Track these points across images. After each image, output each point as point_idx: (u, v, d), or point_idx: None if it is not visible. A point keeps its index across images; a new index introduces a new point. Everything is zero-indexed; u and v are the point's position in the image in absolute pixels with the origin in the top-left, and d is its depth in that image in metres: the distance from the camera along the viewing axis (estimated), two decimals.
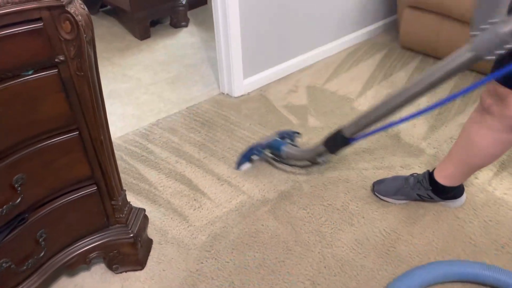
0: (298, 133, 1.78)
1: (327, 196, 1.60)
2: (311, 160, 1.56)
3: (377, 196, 1.57)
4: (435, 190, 1.48)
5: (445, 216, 1.49)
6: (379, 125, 1.26)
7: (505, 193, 1.56)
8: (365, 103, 2.08)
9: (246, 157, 1.72)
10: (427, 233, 1.44)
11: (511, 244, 1.39)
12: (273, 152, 1.68)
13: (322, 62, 2.47)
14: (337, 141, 1.39)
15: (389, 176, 1.64)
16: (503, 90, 1.12)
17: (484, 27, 0.96)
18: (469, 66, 1.02)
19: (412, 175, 1.54)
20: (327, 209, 1.54)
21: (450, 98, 1.04)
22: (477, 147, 1.29)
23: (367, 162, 1.74)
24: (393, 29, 2.78)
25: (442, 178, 1.44)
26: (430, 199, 1.51)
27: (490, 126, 1.22)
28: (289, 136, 1.74)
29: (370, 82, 2.25)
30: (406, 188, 1.52)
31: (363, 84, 2.23)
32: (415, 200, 1.54)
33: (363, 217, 1.51)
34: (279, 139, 1.68)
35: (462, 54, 1.01)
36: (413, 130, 1.90)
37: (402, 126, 1.92)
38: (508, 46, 0.94)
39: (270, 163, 1.75)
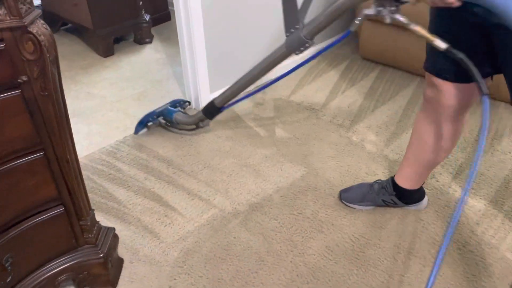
0: (188, 102, 2.12)
1: (297, 205, 1.62)
2: (196, 125, 1.94)
3: (345, 204, 1.62)
4: (398, 195, 1.53)
5: (409, 219, 1.55)
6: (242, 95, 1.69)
7: (453, 189, 1.64)
8: (329, 113, 2.14)
9: (142, 123, 1.98)
10: (394, 236, 1.49)
11: (472, 243, 1.45)
12: (165, 118, 1.98)
13: None
14: (211, 110, 1.81)
15: (356, 183, 1.69)
16: (438, 80, 1.21)
17: (292, 31, 1.40)
18: (286, 58, 1.49)
19: (376, 181, 1.60)
20: (297, 218, 1.57)
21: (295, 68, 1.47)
22: (426, 144, 1.36)
23: (334, 170, 1.78)
24: (353, 41, 2.88)
25: (402, 181, 1.50)
26: (394, 205, 1.57)
27: (433, 119, 1.30)
28: (180, 105, 2.05)
29: (333, 93, 2.31)
30: (371, 194, 1.57)
31: (327, 95, 2.30)
32: (381, 205, 1.59)
33: (333, 224, 1.54)
34: (171, 107, 1.99)
35: (280, 50, 1.48)
36: (376, 138, 1.96)
37: (366, 134, 1.98)
38: (307, 45, 1.39)
39: (164, 127, 2.03)
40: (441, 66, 1.18)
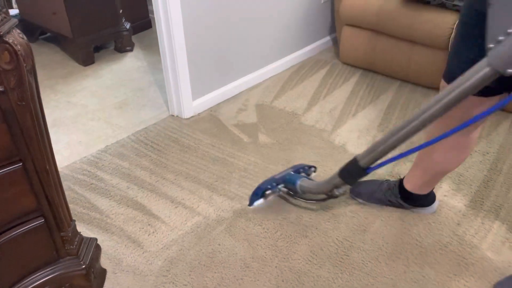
0: (314, 167, 1.72)
1: (281, 210, 1.63)
2: (328, 193, 1.44)
3: (353, 198, 1.64)
4: (403, 197, 1.55)
5: (392, 222, 1.57)
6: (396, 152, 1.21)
7: (445, 195, 1.67)
8: (312, 118, 2.16)
9: (259, 192, 1.61)
10: (377, 238, 1.50)
11: (453, 243, 1.48)
12: (287, 186, 1.61)
13: (269, 80, 2.54)
14: (353, 172, 1.28)
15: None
16: None
17: (500, 38, 0.87)
18: (488, 82, 0.92)
19: (386, 180, 1.61)
20: (282, 223, 1.57)
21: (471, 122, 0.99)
22: (436, 155, 1.36)
23: (317, 174, 1.79)
24: (333, 46, 2.92)
25: (409, 185, 1.51)
26: (400, 206, 1.58)
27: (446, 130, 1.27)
28: (305, 170, 1.68)
29: (315, 98, 2.33)
30: (379, 193, 1.59)
31: (308, 100, 2.32)
32: (387, 205, 1.60)
33: (317, 228, 1.55)
34: (293, 173, 1.63)
35: (479, 70, 0.92)
36: (358, 141, 1.99)
37: (348, 138, 2.00)
38: None
39: (284, 198, 1.67)
40: None
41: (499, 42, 0.87)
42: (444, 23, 2.10)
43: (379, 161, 1.21)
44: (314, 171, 1.73)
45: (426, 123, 1.05)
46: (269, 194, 1.61)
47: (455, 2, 2.07)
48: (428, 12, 2.16)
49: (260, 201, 1.62)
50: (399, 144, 1.15)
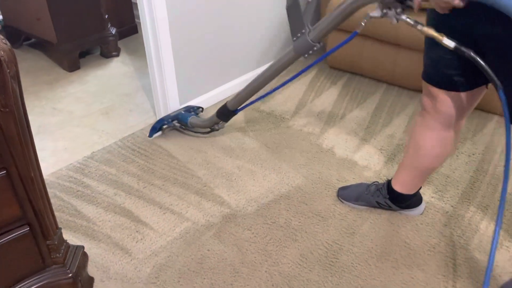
0: (201, 108, 2.17)
1: (270, 214, 1.63)
2: (211, 128, 1.97)
3: (340, 201, 1.65)
4: (392, 198, 1.56)
5: (381, 224, 1.57)
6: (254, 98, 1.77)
7: (432, 197, 1.68)
8: (299, 122, 2.17)
9: (157, 126, 2.03)
10: (366, 241, 1.51)
11: (441, 244, 1.49)
12: (180, 122, 2.04)
13: None
14: (225, 113, 1.86)
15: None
16: (434, 89, 1.24)
17: (298, 35, 1.44)
18: (293, 61, 1.55)
19: (374, 183, 1.63)
20: (271, 227, 1.57)
21: (297, 75, 1.56)
22: (423, 150, 1.39)
23: (305, 177, 1.80)
24: (320, 50, 2.93)
25: (397, 185, 1.53)
26: (388, 207, 1.59)
27: (430, 126, 1.33)
28: (194, 110, 2.12)
29: (303, 102, 2.34)
30: (367, 194, 1.60)
31: (296, 104, 2.32)
32: (374, 207, 1.61)
33: (306, 232, 1.55)
34: (184, 112, 2.06)
35: (289, 54, 1.53)
36: (346, 144, 2.00)
37: (336, 141, 2.01)
38: (315, 48, 1.44)
39: (178, 130, 2.08)
40: (438, 76, 1.21)
41: (298, 37, 1.44)
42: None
43: (243, 104, 1.79)
44: (202, 111, 2.19)
45: (264, 82, 1.68)
46: (166, 128, 2.06)
47: None
48: (412, 15, 2.18)
49: (159, 133, 2.07)
50: (256, 91, 1.72)
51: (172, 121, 2.04)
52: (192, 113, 2.10)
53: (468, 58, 1.00)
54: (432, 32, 1.04)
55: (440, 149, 1.37)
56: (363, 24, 1.19)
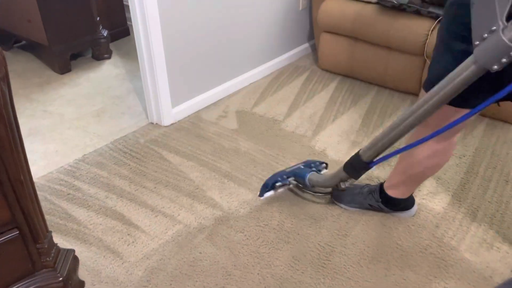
0: (325, 163, 1.75)
1: (263, 216, 1.62)
2: (334, 187, 1.51)
3: (333, 202, 1.65)
4: (384, 201, 1.56)
5: (373, 225, 1.58)
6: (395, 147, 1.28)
7: (424, 198, 1.69)
8: (292, 124, 2.17)
9: (269, 184, 1.66)
10: (359, 243, 1.51)
11: (433, 245, 1.50)
12: (297, 179, 1.66)
13: (249, 87, 2.54)
14: (356, 166, 1.35)
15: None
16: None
17: (485, 36, 0.91)
18: (475, 78, 0.98)
19: (367, 185, 1.63)
20: (263, 230, 1.57)
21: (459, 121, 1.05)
22: (416, 159, 1.38)
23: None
24: (312, 53, 2.94)
25: (389, 189, 1.53)
26: (381, 210, 1.60)
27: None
28: (316, 166, 1.71)
29: (295, 104, 2.35)
30: (360, 197, 1.60)
31: (288, 106, 2.33)
32: (367, 209, 1.62)
33: (298, 234, 1.55)
34: (303, 167, 1.68)
35: (467, 67, 0.97)
36: (338, 146, 2.00)
37: (328, 143, 2.02)
38: None
39: (293, 191, 1.73)
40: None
41: (484, 39, 0.91)
42: (419, 30, 2.15)
43: (380, 156, 1.28)
44: (326, 168, 1.77)
45: (421, 119, 1.12)
46: (279, 186, 1.65)
47: (430, 9, 2.12)
48: (403, 18, 2.20)
49: (271, 192, 1.67)
50: (397, 139, 1.21)
51: (288, 178, 1.66)
52: (314, 168, 1.69)
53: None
54: None
55: (435, 160, 1.36)
56: None
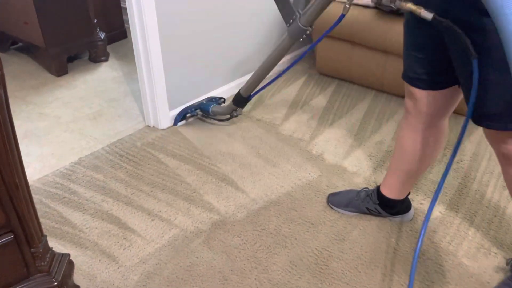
0: (223, 98, 2.29)
1: (260, 221, 1.62)
2: (230, 114, 2.11)
3: (330, 207, 1.64)
4: (382, 204, 1.56)
5: (370, 230, 1.57)
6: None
7: (421, 203, 1.69)
8: (289, 128, 2.17)
9: (181, 115, 2.15)
10: (356, 248, 1.51)
11: (430, 250, 1.49)
12: (203, 111, 2.18)
13: None
14: (240, 100, 2.00)
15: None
16: (413, 89, 1.26)
17: (291, 21, 1.54)
18: (290, 47, 1.65)
19: (364, 189, 1.63)
20: (260, 234, 1.56)
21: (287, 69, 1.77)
22: (408, 153, 1.40)
23: (295, 183, 1.79)
24: (310, 57, 2.94)
25: (386, 190, 1.53)
26: (378, 214, 1.59)
27: (413, 127, 1.34)
28: (216, 100, 2.24)
29: (292, 108, 2.34)
30: (357, 201, 1.60)
31: (286, 110, 2.32)
32: (364, 213, 1.61)
33: (296, 239, 1.54)
34: (205, 102, 2.20)
35: (284, 40, 1.64)
36: (335, 150, 2.00)
37: (325, 147, 2.01)
38: (308, 32, 1.53)
39: (201, 119, 2.22)
40: (413, 75, 1.24)
41: (291, 23, 1.54)
42: None
43: (255, 90, 1.94)
44: (224, 102, 2.29)
45: (268, 69, 1.81)
46: (189, 117, 2.21)
47: None
48: (400, 23, 2.19)
49: (183, 122, 2.20)
50: (262, 78, 1.86)
51: (195, 110, 2.17)
52: (214, 102, 2.21)
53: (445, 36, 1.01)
54: (410, 5, 1.04)
55: (424, 150, 1.38)
56: (347, 6, 1.28)
